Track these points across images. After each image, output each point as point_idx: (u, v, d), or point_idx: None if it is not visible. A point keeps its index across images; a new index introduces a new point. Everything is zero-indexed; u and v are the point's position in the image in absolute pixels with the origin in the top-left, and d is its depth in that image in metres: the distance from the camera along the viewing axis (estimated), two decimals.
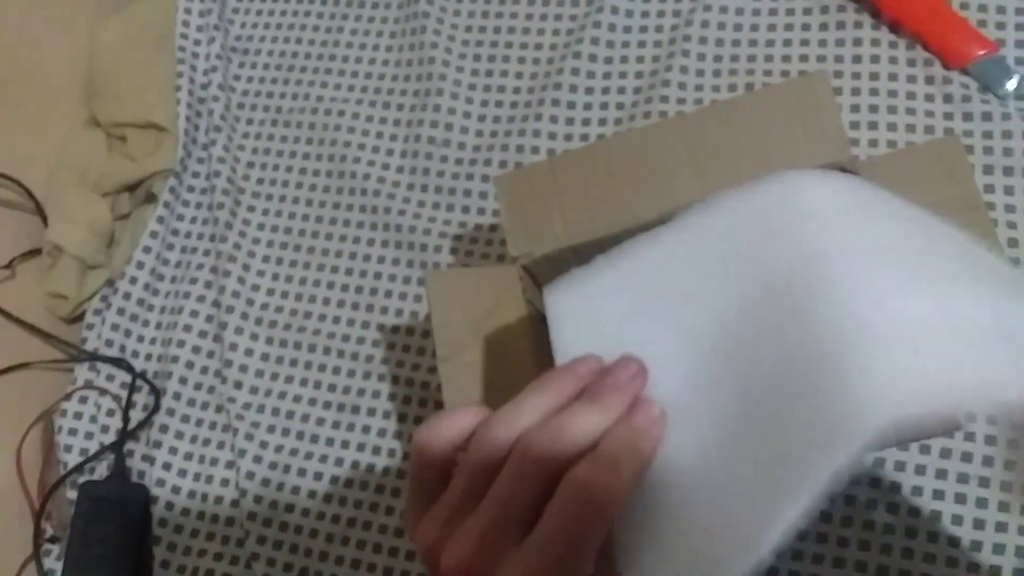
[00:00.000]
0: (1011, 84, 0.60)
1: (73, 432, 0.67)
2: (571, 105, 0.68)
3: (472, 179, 0.68)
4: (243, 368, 0.67)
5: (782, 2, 0.66)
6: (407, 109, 0.72)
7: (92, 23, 0.74)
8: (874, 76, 0.63)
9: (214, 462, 0.65)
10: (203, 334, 0.69)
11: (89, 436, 0.67)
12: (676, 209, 0.41)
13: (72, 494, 0.65)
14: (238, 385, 0.66)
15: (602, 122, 0.67)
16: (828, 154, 0.47)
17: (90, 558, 0.62)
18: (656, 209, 0.46)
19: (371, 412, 0.64)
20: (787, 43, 0.65)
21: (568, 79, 0.68)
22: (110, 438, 0.67)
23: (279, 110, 0.74)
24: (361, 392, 0.65)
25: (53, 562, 0.64)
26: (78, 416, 0.68)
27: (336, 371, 0.66)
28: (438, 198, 0.68)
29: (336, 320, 0.67)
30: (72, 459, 0.66)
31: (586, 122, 0.67)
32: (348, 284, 0.68)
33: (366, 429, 0.63)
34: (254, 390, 0.66)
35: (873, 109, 0.62)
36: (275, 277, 0.69)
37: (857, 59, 0.64)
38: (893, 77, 0.63)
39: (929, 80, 0.62)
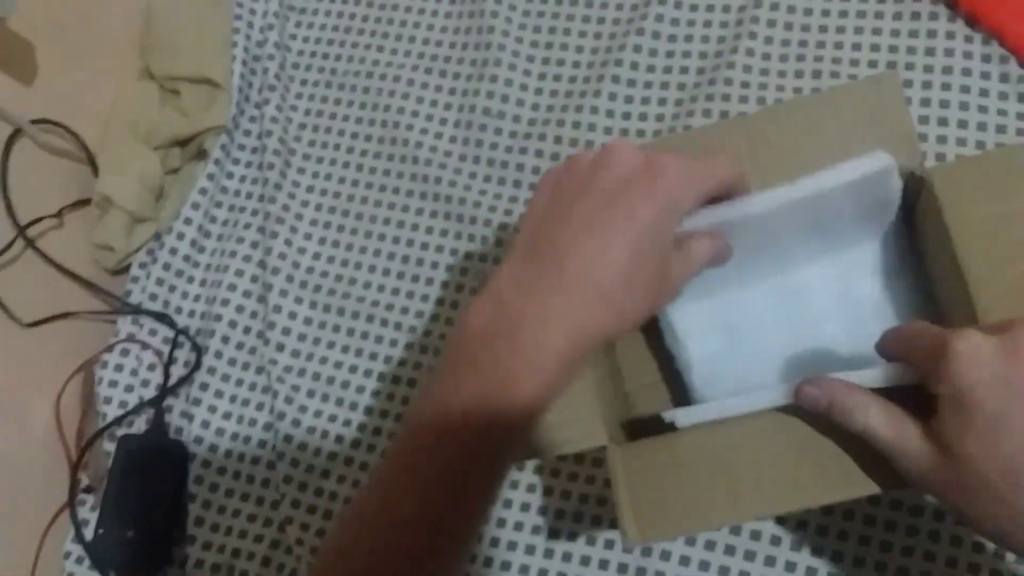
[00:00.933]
0: None
1: (113, 384, 0.67)
2: (631, 83, 0.66)
3: (526, 153, 0.67)
4: (286, 331, 0.66)
5: None
6: (463, 78, 0.71)
7: None
8: (947, 70, 0.61)
9: (252, 423, 0.65)
10: (247, 294, 0.68)
11: (129, 389, 0.67)
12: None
13: (110, 446, 0.65)
14: (280, 348, 0.66)
15: (662, 102, 0.66)
16: (898, 159, 0.45)
17: (125, 511, 0.62)
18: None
19: (411, 383, 0.63)
20: (858, 31, 0.63)
21: (630, 56, 0.67)
22: (150, 392, 0.67)
23: (333, 72, 0.73)
24: (403, 363, 0.64)
25: (87, 512, 0.65)
26: (119, 368, 0.68)
27: (379, 340, 0.65)
28: (490, 171, 0.67)
29: (381, 288, 0.67)
30: (112, 411, 0.67)
31: (645, 100, 0.66)
32: (395, 252, 0.67)
33: (405, 400, 0.63)
34: (296, 354, 0.66)
35: (944, 104, 0.60)
36: (322, 241, 0.69)
37: (930, 51, 0.62)
38: (967, 72, 0.61)
39: (1004, 78, 0.60)
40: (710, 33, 0.66)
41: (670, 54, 0.67)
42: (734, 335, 0.53)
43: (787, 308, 0.52)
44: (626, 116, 0.66)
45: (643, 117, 0.66)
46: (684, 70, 0.66)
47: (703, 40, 0.66)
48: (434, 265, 0.66)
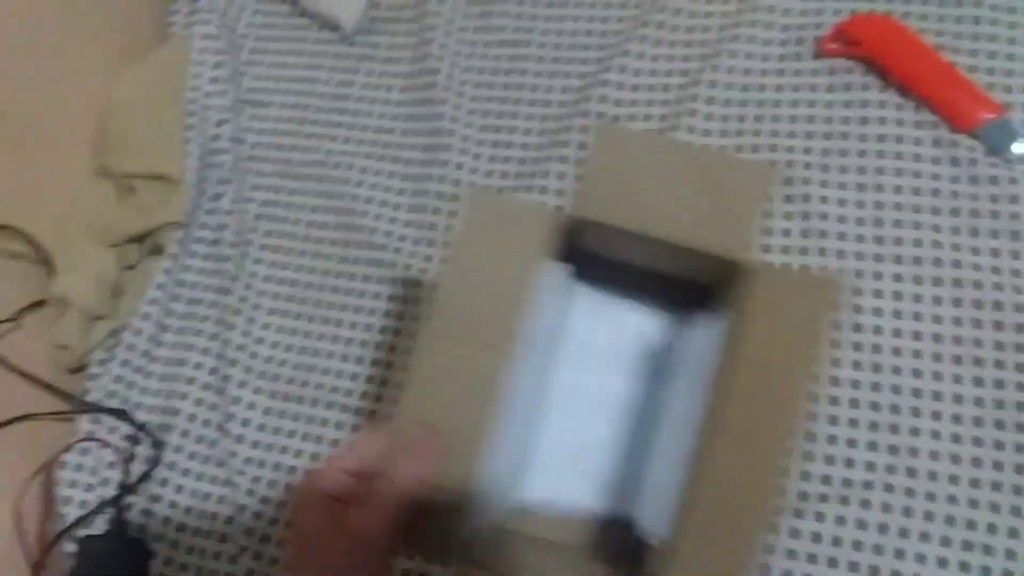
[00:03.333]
0: (1018, 148, 0.61)
1: (73, 484, 0.67)
2: (578, 163, 0.68)
3: None
4: (245, 422, 0.66)
5: (789, 63, 0.67)
6: (416, 164, 0.72)
7: (103, 76, 0.75)
8: (881, 138, 0.63)
9: (214, 517, 0.64)
10: (207, 386, 0.68)
11: (89, 488, 0.67)
12: None
13: (71, 547, 0.64)
14: (240, 439, 0.66)
15: None
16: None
17: None
18: None
19: None
20: (794, 104, 0.65)
21: (576, 137, 0.68)
22: (111, 490, 0.66)
23: (288, 163, 0.75)
24: None
25: None
26: (79, 468, 0.67)
27: (339, 427, 0.65)
28: (447, 253, 0.68)
29: (339, 374, 0.67)
30: (72, 511, 0.66)
31: None
32: (353, 338, 0.68)
33: None
34: (255, 444, 0.66)
35: (880, 171, 0.62)
36: (280, 330, 0.69)
37: (864, 121, 0.64)
38: (900, 140, 0.63)
39: (936, 143, 0.62)
40: (652, 112, 0.68)
41: None
42: None
43: None
44: (569, 194, 0.67)
45: None
46: None
47: (645, 119, 0.68)
48: (392, 349, 0.67)
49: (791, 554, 0.55)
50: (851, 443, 0.57)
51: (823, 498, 0.56)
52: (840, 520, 0.56)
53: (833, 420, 0.58)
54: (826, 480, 0.57)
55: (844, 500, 0.56)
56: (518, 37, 0.73)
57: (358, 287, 0.69)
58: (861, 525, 0.55)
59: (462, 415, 0.48)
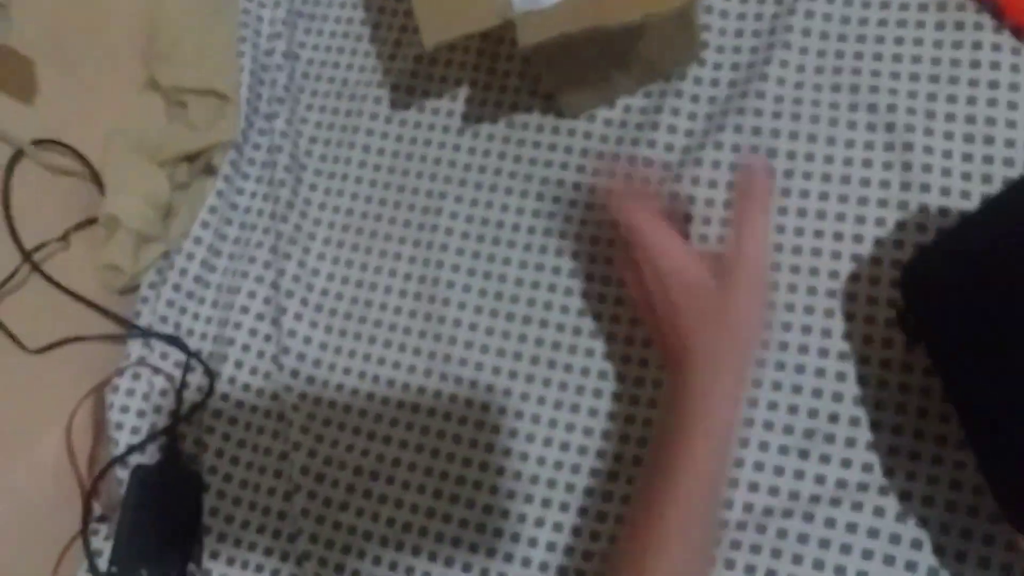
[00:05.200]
0: None
1: (125, 409, 0.66)
2: None
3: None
4: (300, 356, 0.64)
5: None
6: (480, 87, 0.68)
7: None
8: (993, 85, 0.58)
9: (268, 452, 0.63)
10: (260, 317, 0.66)
11: (141, 415, 0.65)
12: None
13: (123, 473, 0.64)
14: (295, 374, 0.64)
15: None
16: None
17: (138, 543, 0.61)
18: None
19: (430, 412, 0.61)
20: (898, 41, 0.60)
21: None
22: (163, 418, 0.65)
23: (345, 82, 0.71)
24: (421, 390, 0.62)
25: (101, 542, 0.63)
26: (130, 393, 0.66)
27: (396, 366, 0.63)
28: (516, 183, 0.65)
29: (397, 310, 0.64)
30: (124, 437, 0.65)
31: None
32: (411, 273, 0.65)
33: (424, 430, 0.61)
34: (311, 380, 0.64)
35: (990, 121, 0.57)
36: (335, 261, 0.66)
37: (975, 64, 0.58)
38: (1015, 87, 0.57)
39: None
40: (742, 43, 0.63)
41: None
42: None
43: None
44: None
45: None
46: (712, 99, 0.63)
47: (735, 50, 0.63)
48: (450, 284, 0.64)
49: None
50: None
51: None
52: None
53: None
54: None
55: None
56: None
57: (417, 218, 0.66)
58: None
59: None
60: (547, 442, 0.59)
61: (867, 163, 0.58)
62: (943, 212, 0.56)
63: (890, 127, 0.58)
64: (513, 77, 0.67)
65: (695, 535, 0.48)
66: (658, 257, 0.51)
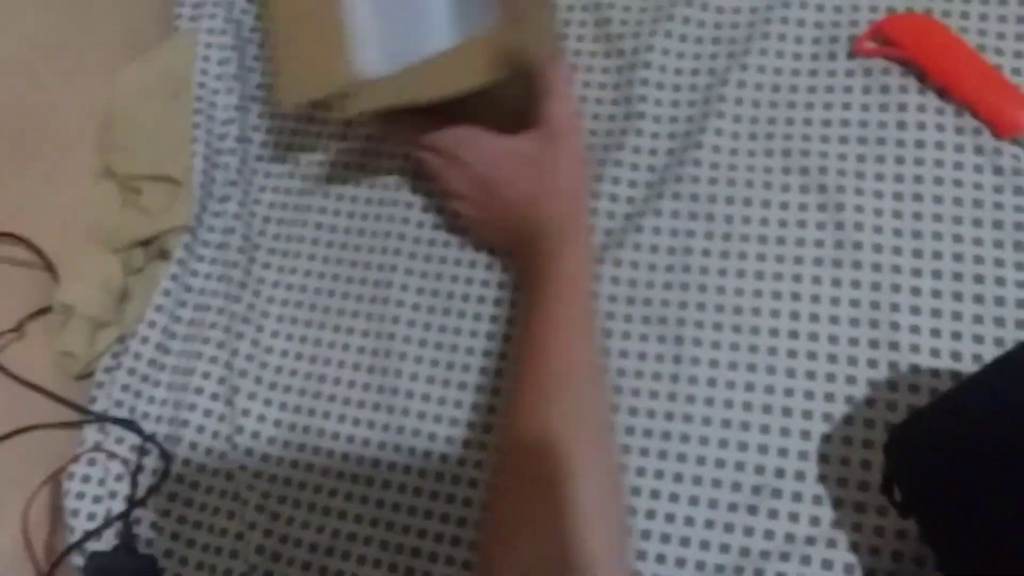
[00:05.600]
0: None
1: (81, 496, 0.65)
2: None
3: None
4: (255, 435, 0.64)
5: (823, 62, 0.63)
6: None
7: (106, 73, 0.72)
8: (920, 144, 0.60)
9: (223, 533, 0.63)
10: (215, 397, 0.66)
11: (98, 500, 0.65)
12: None
13: (79, 560, 0.63)
14: (249, 453, 0.64)
15: None
16: None
17: None
18: None
19: (385, 485, 0.61)
20: (827, 106, 0.62)
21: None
22: (119, 503, 0.65)
23: (297, 162, 0.72)
24: (375, 463, 0.62)
25: None
26: (86, 479, 0.66)
27: (350, 440, 0.63)
28: (475, 256, 0.66)
29: (351, 384, 0.65)
30: (80, 523, 0.64)
31: None
32: (364, 346, 0.66)
33: (379, 503, 0.61)
34: (265, 458, 0.64)
35: (918, 180, 0.59)
36: (289, 338, 0.67)
37: (902, 125, 0.60)
38: (940, 146, 0.59)
39: (978, 150, 0.59)
40: (678, 113, 0.65)
41: None
42: None
43: None
44: None
45: None
46: (630, 201, 0.65)
47: (671, 120, 0.65)
48: (402, 356, 0.64)
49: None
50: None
51: None
52: None
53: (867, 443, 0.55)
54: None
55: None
56: None
57: (368, 292, 0.67)
58: None
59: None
60: None
61: (801, 224, 0.60)
62: (876, 267, 0.58)
63: (822, 188, 0.60)
64: None
65: (587, 359, 0.54)
66: (464, 151, 0.57)
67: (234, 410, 0.65)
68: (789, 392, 0.57)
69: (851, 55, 0.63)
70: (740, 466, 0.56)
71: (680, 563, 0.55)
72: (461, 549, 0.59)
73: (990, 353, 0.55)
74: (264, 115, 0.74)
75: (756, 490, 0.55)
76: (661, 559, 0.55)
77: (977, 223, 0.57)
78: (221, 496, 0.64)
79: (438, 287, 0.66)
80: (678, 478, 0.57)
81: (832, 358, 0.57)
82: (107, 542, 0.64)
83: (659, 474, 0.57)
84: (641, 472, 0.57)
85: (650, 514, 0.56)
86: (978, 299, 0.56)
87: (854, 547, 0.53)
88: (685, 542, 0.55)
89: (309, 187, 0.71)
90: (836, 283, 0.58)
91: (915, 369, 0.55)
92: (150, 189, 0.71)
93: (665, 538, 0.56)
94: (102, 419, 0.67)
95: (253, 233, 0.71)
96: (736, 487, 0.56)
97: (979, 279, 0.56)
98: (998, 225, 0.57)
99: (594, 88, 0.67)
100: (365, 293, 0.67)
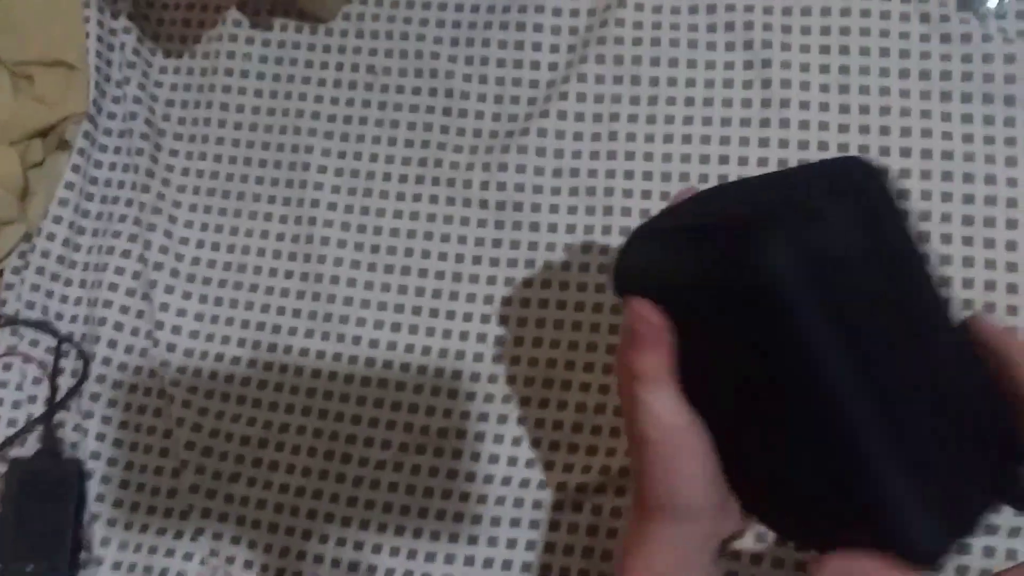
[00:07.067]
0: (992, 2, 0.56)
1: None
2: None
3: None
4: (176, 329, 0.62)
5: None
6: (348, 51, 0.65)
7: None
8: (864, 13, 0.58)
9: (151, 431, 0.61)
10: (131, 292, 0.64)
11: (16, 405, 0.63)
12: None
13: (2, 467, 0.61)
14: (171, 348, 0.62)
15: None
16: None
17: (23, 538, 0.59)
18: None
19: (315, 373, 0.60)
20: None
21: None
22: (39, 407, 0.63)
23: (197, 39, 0.67)
24: (304, 352, 0.61)
25: None
26: (3, 385, 0.63)
27: (276, 329, 0.61)
28: (395, 132, 0.63)
29: (273, 272, 0.63)
30: (0, 431, 0.62)
31: None
32: (284, 232, 0.63)
33: (310, 392, 0.60)
34: (189, 353, 0.62)
35: (844, 31, 0.57)
36: (204, 227, 0.64)
37: None
38: (885, 16, 0.57)
39: (924, 18, 0.57)
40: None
41: None
42: None
43: None
44: None
45: None
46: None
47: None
48: (324, 241, 0.62)
49: None
50: None
51: None
52: None
53: None
54: None
55: None
56: None
57: (283, 175, 0.64)
58: None
59: None
60: (435, 392, 0.58)
61: (728, 83, 0.58)
62: (803, 125, 0.57)
63: (748, 45, 0.58)
64: (369, 20, 0.65)
65: None
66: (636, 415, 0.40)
67: (152, 304, 0.63)
68: None
69: None
70: None
71: None
72: (396, 432, 0.58)
73: (917, 208, 0.54)
74: None
75: None
76: None
77: (904, 74, 0.56)
78: (145, 394, 0.62)
79: (357, 167, 0.63)
80: None
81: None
82: (30, 447, 0.62)
83: None
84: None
85: None
86: (905, 152, 0.55)
87: None
88: None
89: (211, 65, 0.67)
90: (764, 143, 0.57)
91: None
92: (43, 75, 0.66)
93: None
94: (14, 322, 0.64)
95: (157, 118, 0.67)
96: None
97: (906, 132, 0.55)
98: (925, 75, 0.56)
99: None
100: (281, 176, 0.64)
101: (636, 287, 0.39)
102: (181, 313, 0.62)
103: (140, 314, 0.63)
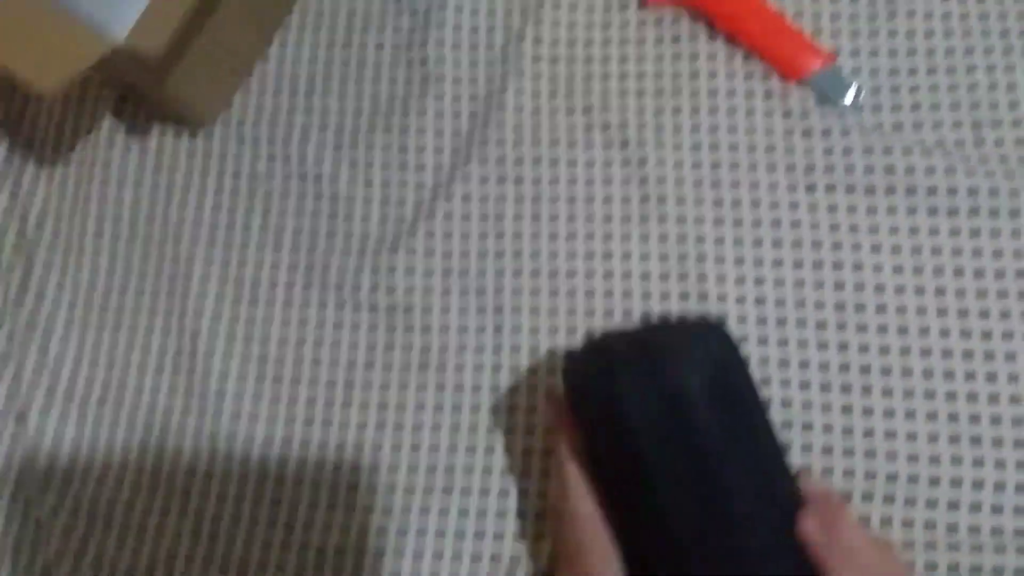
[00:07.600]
0: (849, 96, 0.59)
1: None
2: None
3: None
4: (52, 456, 0.59)
5: (615, 14, 0.63)
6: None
7: None
8: (712, 93, 0.60)
9: (28, 568, 0.58)
10: (3, 414, 0.61)
11: None
12: None
13: None
14: (48, 473, 0.59)
15: None
16: None
17: None
18: None
19: (203, 495, 0.58)
20: (622, 60, 0.62)
21: None
22: None
23: (72, 147, 0.66)
24: (191, 473, 0.58)
25: None
26: None
27: (160, 452, 0.59)
28: (268, 237, 0.62)
29: (156, 390, 0.60)
30: None
31: None
32: (166, 346, 0.61)
33: (199, 514, 0.57)
34: (67, 481, 0.59)
35: (714, 129, 0.60)
36: (81, 344, 0.62)
37: (695, 75, 0.61)
38: (731, 94, 0.60)
39: (768, 95, 0.60)
40: (476, 74, 0.63)
41: None
42: None
43: None
44: None
45: None
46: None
47: (471, 82, 0.63)
48: (209, 354, 0.60)
49: None
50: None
51: None
52: None
53: None
54: None
55: None
56: None
57: (165, 287, 0.62)
58: None
59: None
60: (330, 506, 0.57)
61: (607, 181, 0.60)
62: (680, 220, 0.58)
63: (624, 144, 0.60)
64: (249, 126, 0.64)
65: None
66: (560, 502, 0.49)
67: (25, 429, 0.60)
68: None
69: (641, 5, 0.62)
70: None
71: None
72: (291, 555, 0.56)
73: (792, 296, 0.57)
74: (28, 99, 0.67)
75: None
76: None
77: (771, 168, 0.59)
78: (21, 526, 0.58)
79: (242, 274, 0.62)
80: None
81: (647, 313, 0.57)
82: None
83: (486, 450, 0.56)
84: (470, 450, 0.56)
85: None
86: (777, 243, 0.57)
87: None
88: None
89: (87, 174, 0.65)
90: (644, 239, 0.58)
91: (725, 317, 0.56)
92: None
93: None
94: None
95: (29, 229, 0.64)
96: None
97: (776, 223, 0.58)
98: (791, 168, 0.59)
99: (387, 51, 0.64)
100: (161, 288, 0.62)
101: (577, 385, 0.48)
102: (58, 437, 0.60)
103: (14, 438, 0.60)
